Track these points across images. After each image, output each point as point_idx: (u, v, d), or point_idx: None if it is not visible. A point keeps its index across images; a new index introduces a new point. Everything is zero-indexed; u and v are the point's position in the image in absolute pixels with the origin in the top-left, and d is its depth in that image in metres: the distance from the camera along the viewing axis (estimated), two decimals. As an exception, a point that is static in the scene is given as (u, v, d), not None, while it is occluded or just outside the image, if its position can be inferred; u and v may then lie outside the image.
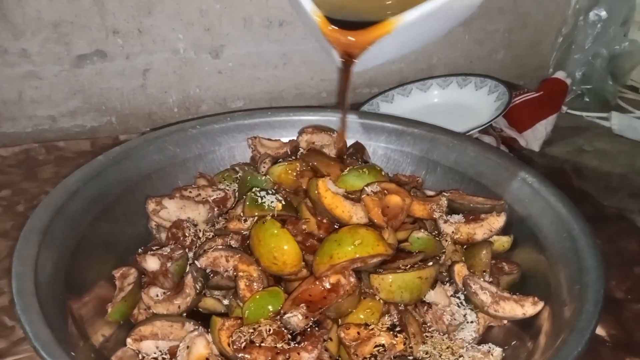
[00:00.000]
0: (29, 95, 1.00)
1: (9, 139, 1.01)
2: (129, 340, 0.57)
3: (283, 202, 0.63)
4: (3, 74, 0.96)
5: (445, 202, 0.68)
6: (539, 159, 1.01)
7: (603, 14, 1.09)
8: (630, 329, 0.66)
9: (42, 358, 0.46)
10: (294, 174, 0.70)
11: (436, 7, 0.54)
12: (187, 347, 0.55)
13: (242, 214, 0.65)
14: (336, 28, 0.58)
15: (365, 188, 0.62)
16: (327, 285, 0.56)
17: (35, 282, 0.54)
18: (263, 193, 0.64)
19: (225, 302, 0.62)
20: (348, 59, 0.61)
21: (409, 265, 0.57)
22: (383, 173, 0.69)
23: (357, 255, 0.55)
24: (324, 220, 0.63)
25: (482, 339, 0.59)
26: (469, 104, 1.06)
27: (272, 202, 0.63)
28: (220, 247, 0.61)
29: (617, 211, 0.87)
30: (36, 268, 0.55)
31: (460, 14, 0.61)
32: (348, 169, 0.68)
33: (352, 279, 0.55)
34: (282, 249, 0.58)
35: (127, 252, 0.69)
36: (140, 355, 0.56)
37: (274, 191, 0.66)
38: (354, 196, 0.64)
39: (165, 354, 0.57)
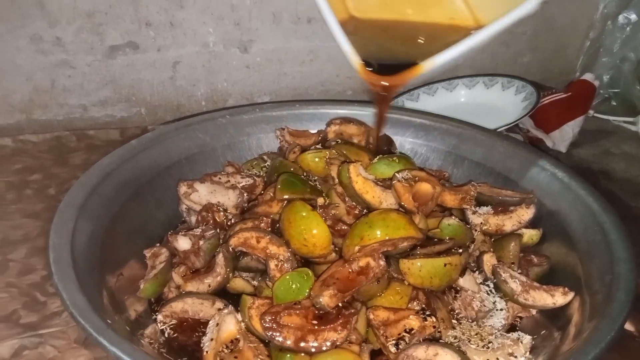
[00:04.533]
0: (61, 83, 1.02)
1: (40, 126, 1.03)
2: (159, 316, 0.58)
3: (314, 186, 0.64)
4: (37, 61, 0.99)
5: (475, 191, 0.68)
6: (565, 160, 1.00)
7: (633, 17, 1.09)
8: (660, 326, 0.65)
9: (79, 324, 0.47)
10: (323, 161, 0.70)
11: (464, 50, 0.57)
12: (217, 324, 0.55)
13: (272, 195, 0.66)
14: (372, 72, 0.62)
15: (396, 174, 0.63)
16: (357, 268, 0.56)
17: (72, 254, 0.55)
18: (294, 177, 0.65)
19: (254, 283, 0.63)
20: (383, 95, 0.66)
21: (438, 251, 0.58)
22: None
23: (388, 237, 0.55)
24: (353, 206, 0.64)
25: (511, 329, 0.59)
26: (495, 104, 1.06)
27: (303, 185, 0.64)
28: (251, 228, 0.62)
29: (645, 212, 0.86)
30: (72, 241, 0.56)
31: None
32: (378, 157, 0.68)
33: (382, 262, 0.56)
34: (312, 231, 0.59)
35: (156, 235, 0.70)
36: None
37: (305, 175, 0.67)
38: (383, 184, 0.65)
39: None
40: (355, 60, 0.60)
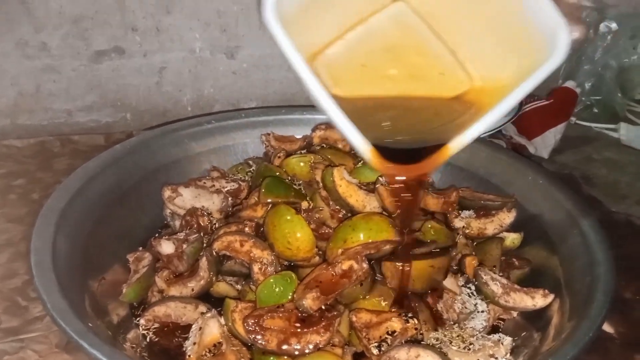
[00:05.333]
0: (46, 88, 1.01)
1: (25, 130, 1.03)
2: (141, 321, 0.58)
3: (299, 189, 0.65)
4: (23, 66, 0.98)
5: (457, 195, 0.68)
6: (548, 166, 1.01)
7: (613, 25, 1.11)
8: (640, 327, 0.66)
9: (60, 327, 0.47)
10: (308, 166, 0.71)
11: (490, 123, 0.48)
12: (200, 328, 0.55)
13: (257, 199, 0.66)
14: (391, 165, 0.48)
15: (380, 178, 0.63)
16: (340, 271, 0.56)
17: (53, 257, 0.55)
18: (279, 180, 0.65)
19: (238, 287, 0.63)
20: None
21: (421, 254, 0.58)
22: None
23: (371, 240, 0.55)
24: (337, 210, 0.64)
25: (493, 331, 0.59)
26: (479, 111, 1.07)
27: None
28: (235, 231, 0.62)
29: (625, 217, 0.88)
30: (54, 245, 0.56)
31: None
32: (362, 161, 0.69)
33: (365, 265, 0.56)
34: (296, 234, 0.59)
35: (140, 239, 0.69)
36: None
37: (290, 180, 0.67)
38: (367, 188, 0.65)
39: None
40: (365, 148, 0.46)
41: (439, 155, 0.47)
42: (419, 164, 0.48)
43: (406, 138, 0.54)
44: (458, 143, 0.47)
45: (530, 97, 1.09)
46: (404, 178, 0.51)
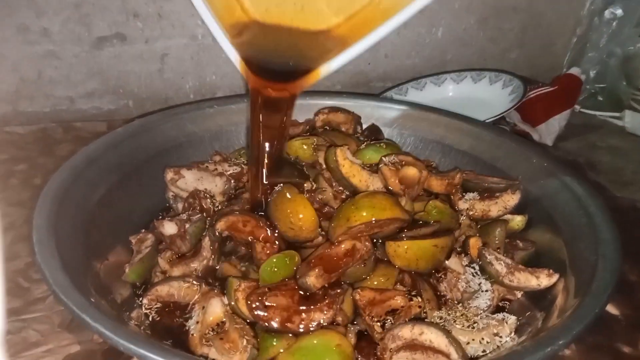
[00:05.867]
0: (48, 74, 1.01)
1: (26, 117, 1.02)
2: (144, 300, 0.58)
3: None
4: (24, 52, 0.98)
5: (461, 176, 0.68)
6: (552, 153, 1.01)
7: (619, 12, 1.10)
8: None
9: (61, 301, 0.46)
10: (311, 148, 0.70)
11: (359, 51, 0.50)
12: (203, 307, 0.55)
13: (260, 180, 0.66)
14: (261, 79, 0.53)
15: (383, 158, 0.63)
16: (343, 250, 0.56)
17: (55, 235, 0.54)
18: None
19: (242, 268, 0.62)
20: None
21: (424, 234, 0.58)
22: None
23: (374, 219, 0.55)
24: (341, 191, 0.64)
25: (497, 312, 0.59)
26: (483, 98, 1.07)
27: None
28: (238, 211, 0.62)
29: (630, 202, 0.87)
30: (56, 223, 0.56)
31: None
32: (365, 143, 0.68)
33: (368, 244, 0.56)
34: (298, 214, 0.59)
35: (142, 223, 0.69)
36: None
37: (292, 160, 0.67)
38: (370, 169, 0.65)
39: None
40: (234, 57, 0.50)
41: (307, 78, 0.50)
42: (286, 83, 0.51)
43: (291, 60, 0.55)
44: (325, 69, 0.49)
45: (535, 84, 1.08)
46: (270, 93, 0.53)
